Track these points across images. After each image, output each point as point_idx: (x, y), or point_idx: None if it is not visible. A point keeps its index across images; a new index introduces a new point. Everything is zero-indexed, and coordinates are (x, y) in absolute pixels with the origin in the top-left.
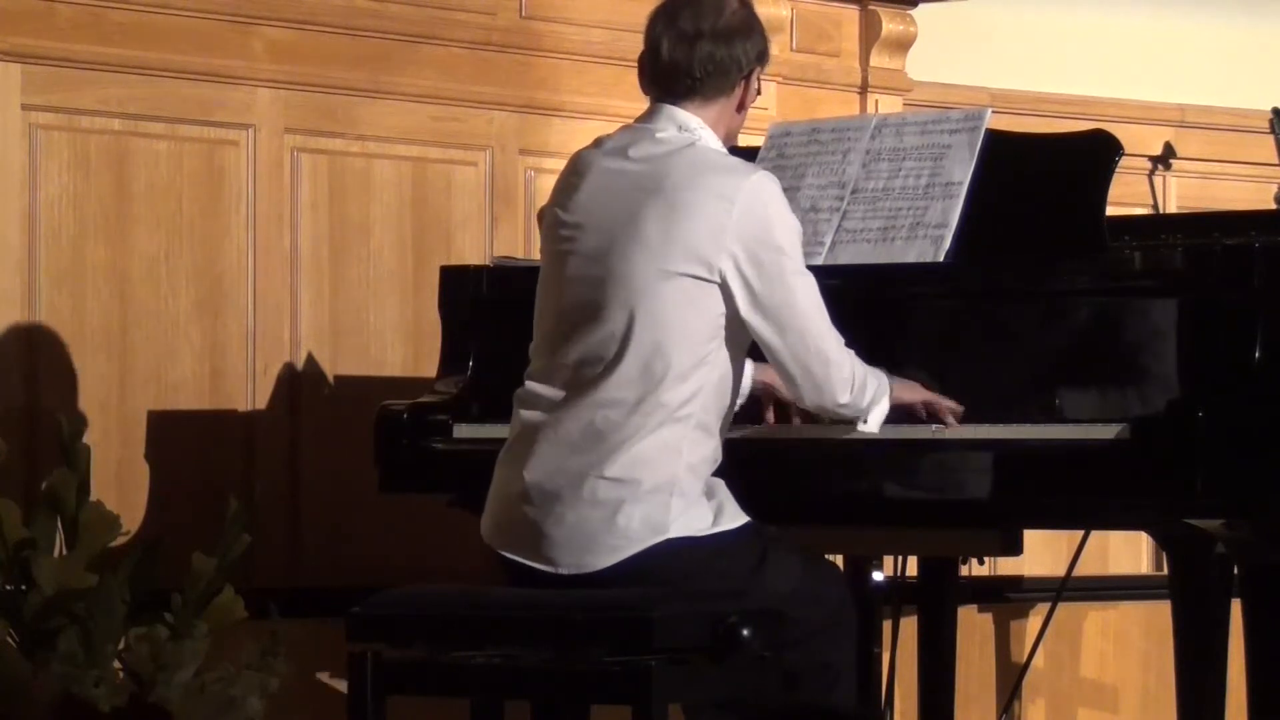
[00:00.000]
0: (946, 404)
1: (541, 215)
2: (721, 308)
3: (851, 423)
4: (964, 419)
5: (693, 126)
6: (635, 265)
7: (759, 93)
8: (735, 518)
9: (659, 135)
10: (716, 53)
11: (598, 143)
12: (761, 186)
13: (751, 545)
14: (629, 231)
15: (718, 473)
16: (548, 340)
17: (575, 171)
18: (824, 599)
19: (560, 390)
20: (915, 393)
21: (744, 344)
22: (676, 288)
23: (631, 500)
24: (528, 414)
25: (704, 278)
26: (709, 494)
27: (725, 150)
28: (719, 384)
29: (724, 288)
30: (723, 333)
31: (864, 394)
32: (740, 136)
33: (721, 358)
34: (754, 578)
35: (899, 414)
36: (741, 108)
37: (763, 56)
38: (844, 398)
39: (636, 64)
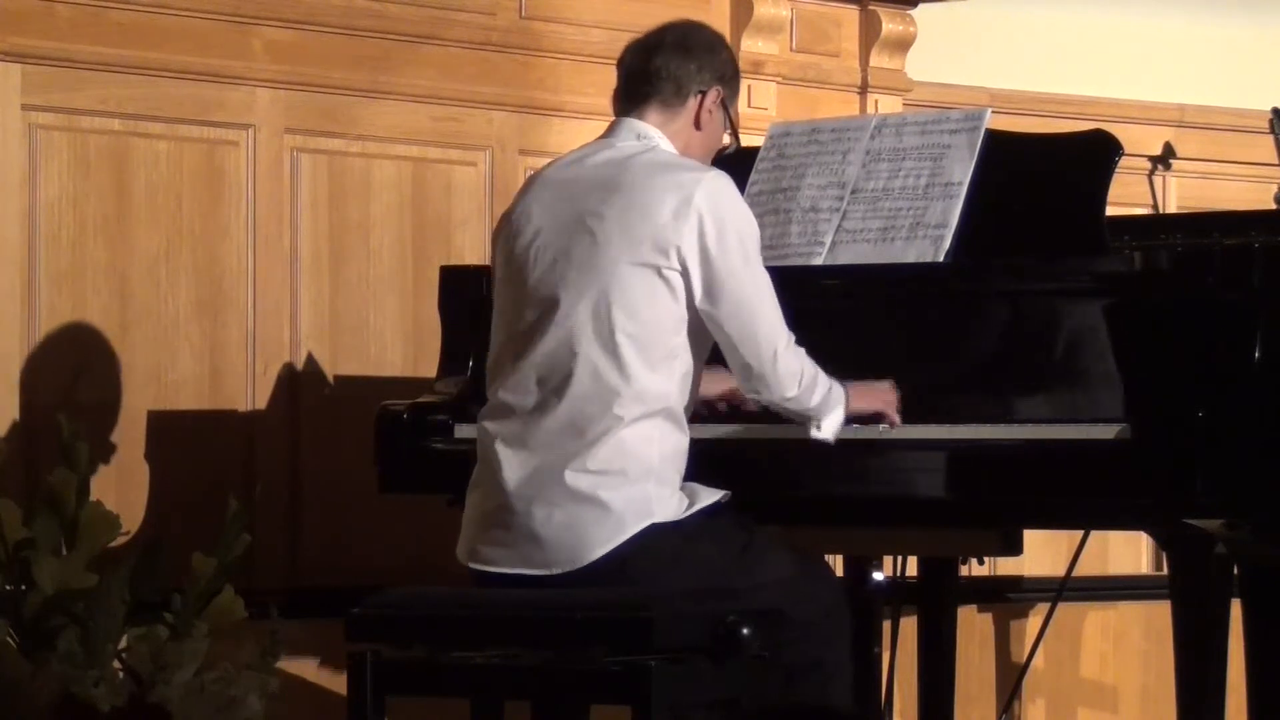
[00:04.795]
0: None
1: (498, 232)
2: (683, 299)
3: (804, 424)
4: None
5: (651, 135)
6: (596, 258)
7: (735, 135)
8: (711, 495)
9: (617, 145)
10: (672, 61)
11: (550, 164)
12: (718, 183)
13: (735, 530)
14: (589, 226)
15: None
16: (512, 347)
17: (530, 186)
18: (815, 596)
19: (532, 394)
20: (870, 400)
21: (708, 339)
22: (638, 278)
23: (616, 489)
24: (497, 425)
25: (662, 268)
26: (681, 483)
27: None
28: (685, 378)
29: (683, 275)
30: (686, 325)
31: (813, 392)
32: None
33: (688, 352)
34: (741, 562)
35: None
36: (699, 127)
37: (724, 80)
38: (791, 391)
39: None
